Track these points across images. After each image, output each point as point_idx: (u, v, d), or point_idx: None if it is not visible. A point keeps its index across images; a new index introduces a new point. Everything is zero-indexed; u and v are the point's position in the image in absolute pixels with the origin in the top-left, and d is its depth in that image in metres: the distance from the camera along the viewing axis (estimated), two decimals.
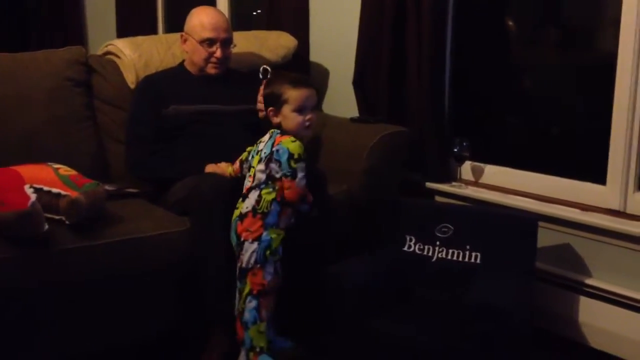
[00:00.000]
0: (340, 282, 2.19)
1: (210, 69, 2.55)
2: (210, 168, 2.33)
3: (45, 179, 2.05)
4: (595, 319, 2.29)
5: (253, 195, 2.07)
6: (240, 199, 2.11)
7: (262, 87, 2.48)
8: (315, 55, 3.12)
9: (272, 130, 2.15)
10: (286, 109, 2.11)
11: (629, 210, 2.30)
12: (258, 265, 2.03)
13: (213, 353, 2.11)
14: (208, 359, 2.11)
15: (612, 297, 2.25)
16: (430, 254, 2.32)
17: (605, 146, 2.32)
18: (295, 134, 2.11)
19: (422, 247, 2.34)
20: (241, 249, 2.05)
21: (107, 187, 2.28)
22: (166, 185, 2.37)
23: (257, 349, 2.03)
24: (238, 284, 2.06)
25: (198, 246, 2.13)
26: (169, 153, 2.45)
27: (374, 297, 2.18)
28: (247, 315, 2.03)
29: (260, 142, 2.17)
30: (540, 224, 2.29)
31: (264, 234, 2.04)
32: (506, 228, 2.29)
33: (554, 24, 2.77)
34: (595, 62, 2.60)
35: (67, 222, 2.00)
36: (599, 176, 2.36)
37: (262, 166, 2.09)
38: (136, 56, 2.70)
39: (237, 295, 2.07)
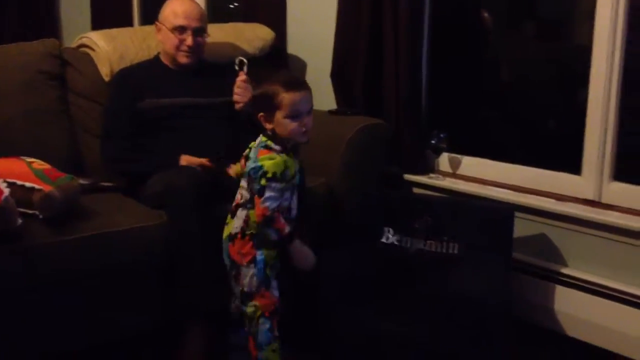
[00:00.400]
0: (318, 276, 2.19)
1: (181, 58, 2.51)
2: (184, 160, 2.32)
3: (18, 172, 2.02)
4: (571, 308, 2.31)
5: (241, 215, 1.96)
6: (230, 215, 2.00)
7: (238, 79, 2.47)
8: (292, 48, 3.11)
9: (261, 137, 1.96)
10: (279, 115, 1.90)
11: (604, 200, 2.32)
12: (263, 287, 1.95)
13: (190, 349, 2.09)
14: (185, 355, 2.09)
15: (588, 286, 2.27)
16: (408, 245, 2.33)
17: (581, 136, 2.34)
18: (289, 140, 1.95)
19: (400, 238, 2.35)
20: (238, 273, 1.97)
21: (82, 181, 2.25)
22: (142, 179, 2.34)
23: None
24: (243, 307, 1.98)
25: (174, 241, 2.11)
26: (145, 147, 2.43)
27: (353, 289, 2.18)
28: (262, 338, 1.96)
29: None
30: (517, 214, 2.31)
31: (258, 254, 1.94)
32: (483, 219, 2.31)
33: (530, 17, 2.79)
34: (570, 54, 2.62)
35: (41, 217, 1.98)
36: (574, 166, 2.38)
37: (244, 183, 1.97)
38: (111, 49, 2.67)
39: (246, 318, 1.99)
